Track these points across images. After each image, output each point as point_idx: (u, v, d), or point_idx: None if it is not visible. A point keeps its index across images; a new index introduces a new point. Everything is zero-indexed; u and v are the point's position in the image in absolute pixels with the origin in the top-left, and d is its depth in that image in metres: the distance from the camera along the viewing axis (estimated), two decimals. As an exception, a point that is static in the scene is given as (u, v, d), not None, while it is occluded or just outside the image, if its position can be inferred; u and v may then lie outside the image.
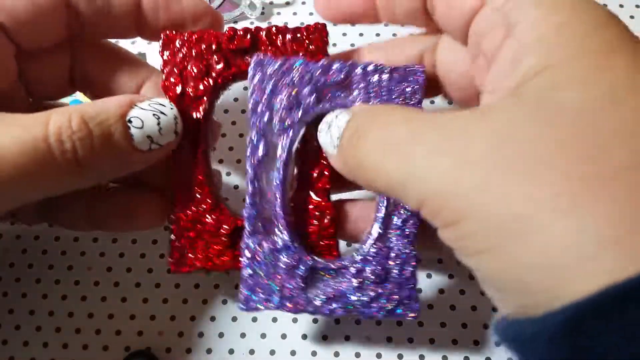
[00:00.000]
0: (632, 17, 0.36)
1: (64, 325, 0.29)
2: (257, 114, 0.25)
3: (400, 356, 0.28)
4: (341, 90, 0.25)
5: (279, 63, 0.25)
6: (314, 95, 0.24)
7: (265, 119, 0.25)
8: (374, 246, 0.25)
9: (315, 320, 0.29)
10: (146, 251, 0.31)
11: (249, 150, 0.25)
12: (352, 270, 0.25)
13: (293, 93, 0.24)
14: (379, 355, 0.28)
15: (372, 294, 0.24)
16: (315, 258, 0.25)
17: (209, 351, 0.28)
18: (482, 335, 0.28)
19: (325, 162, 0.25)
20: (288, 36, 0.26)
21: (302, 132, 0.25)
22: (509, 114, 0.18)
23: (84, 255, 0.30)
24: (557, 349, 0.16)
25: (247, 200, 0.25)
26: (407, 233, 0.25)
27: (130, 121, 0.23)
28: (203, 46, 0.26)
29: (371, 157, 0.20)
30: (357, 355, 0.28)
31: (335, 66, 0.24)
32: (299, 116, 0.24)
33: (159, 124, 0.23)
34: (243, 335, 0.29)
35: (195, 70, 0.26)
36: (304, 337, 0.29)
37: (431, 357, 0.28)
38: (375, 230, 0.25)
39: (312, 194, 0.26)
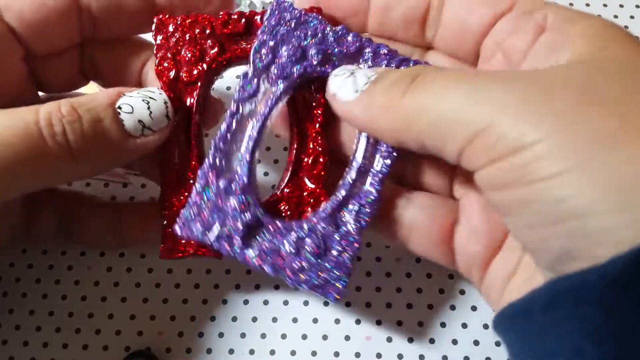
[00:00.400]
0: (632, 17, 0.36)
1: (64, 325, 0.29)
2: (259, 54, 0.25)
3: (400, 356, 0.28)
4: (347, 61, 0.25)
5: (297, 12, 0.25)
6: (320, 57, 0.25)
7: (265, 61, 0.25)
8: (324, 222, 0.24)
9: (315, 320, 0.29)
10: (146, 251, 0.30)
11: (239, 84, 0.25)
12: (294, 236, 0.24)
13: (301, 46, 0.25)
14: (379, 355, 0.28)
15: (304, 264, 0.24)
16: (265, 213, 0.25)
17: (209, 351, 0.28)
18: (482, 335, 0.28)
19: (321, 149, 0.25)
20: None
21: (287, 93, 0.25)
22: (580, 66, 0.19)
23: (84, 255, 0.30)
24: (628, 293, 0.15)
25: (220, 132, 0.25)
26: (360, 219, 0.24)
27: (120, 107, 0.23)
28: (197, 30, 0.26)
29: (423, 100, 0.20)
30: (357, 355, 0.28)
31: (350, 37, 0.25)
32: (299, 71, 0.25)
33: (149, 108, 0.24)
34: (243, 335, 0.29)
35: (189, 55, 0.26)
36: (304, 337, 0.29)
37: (431, 357, 0.28)
38: (330, 207, 0.25)
39: (306, 180, 0.26)
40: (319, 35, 0.25)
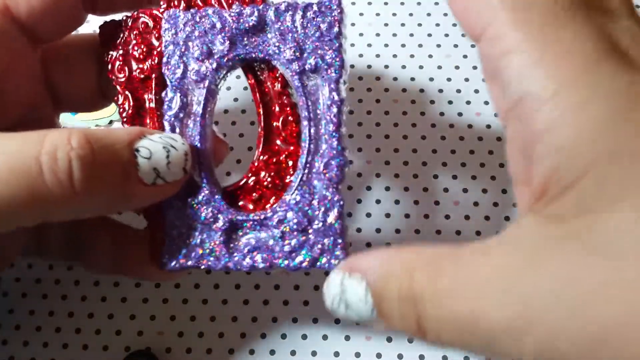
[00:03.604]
0: (631, 17, 0.36)
1: (64, 325, 0.29)
2: (170, 68, 0.24)
3: (400, 356, 0.28)
4: (256, 34, 0.24)
5: (191, 14, 0.24)
6: (227, 42, 0.24)
7: (179, 73, 0.24)
8: (296, 193, 0.23)
9: (315, 320, 0.29)
10: (146, 251, 0.30)
11: (165, 106, 0.24)
12: (274, 220, 0.24)
13: (205, 42, 0.24)
14: (379, 355, 0.28)
15: (294, 243, 0.23)
16: (235, 211, 0.24)
17: (209, 351, 0.28)
18: (482, 335, 0.28)
19: (288, 108, 0.25)
20: None
21: (222, 82, 0.25)
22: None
23: (84, 255, 0.30)
24: None
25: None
26: (330, 177, 0.23)
27: (137, 150, 0.22)
28: (142, 26, 0.26)
29: (461, 305, 0.17)
30: (357, 355, 0.28)
31: (247, 10, 0.24)
32: (214, 67, 0.24)
33: (168, 157, 0.22)
34: (243, 335, 0.29)
35: (137, 52, 0.26)
36: (304, 337, 0.29)
37: (431, 357, 0.28)
38: (297, 176, 0.24)
39: (280, 144, 0.25)
40: (218, 24, 0.24)
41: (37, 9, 0.24)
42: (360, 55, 0.35)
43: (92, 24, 0.33)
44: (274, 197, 0.24)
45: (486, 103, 0.33)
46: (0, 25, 0.23)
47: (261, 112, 0.25)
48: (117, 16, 0.27)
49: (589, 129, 0.16)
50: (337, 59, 0.24)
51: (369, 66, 0.35)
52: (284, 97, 0.25)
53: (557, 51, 0.16)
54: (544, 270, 0.15)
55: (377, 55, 0.35)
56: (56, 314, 0.29)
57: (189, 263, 0.24)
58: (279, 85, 0.25)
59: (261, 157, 0.25)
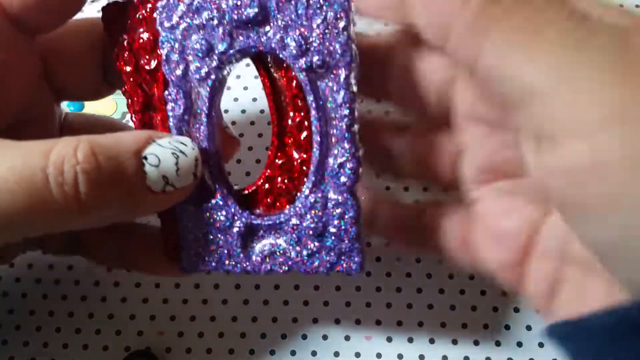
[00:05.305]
0: (632, 16, 0.36)
1: (64, 325, 0.29)
2: (171, 66, 0.23)
3: (400, 356, 0.28)
4: (257, 25, 0.22)
5: (186, 5, 0.22)
6: (227, 37, 0.22)
7: (180, 71, 0.23)
8: (310, 197, 0.23)
9: (315, 320, 0.29)
10: (146, 251, 0.30)
11: (168, 106, 0.23)
12: (290, 224, 0.23)
13: (204, 37, 0.23)
14: (379, 355, 0.28)
15: (311, 248, 0.23)
16: (251, 214, 0.24)
17: (209, 351, 0.28)
18: (482, 335, 0.28)
19: (304, 113, 0.23)
20: None
21: (225, 76, 0.23)
22: None
23: (84, 255, 0.31)
24: None
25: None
26: (344, 180, 0.23)
27: (145, 157, 0.21)
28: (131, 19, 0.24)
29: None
30: (357, 355, 0.28)
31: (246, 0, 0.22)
32: (215, 64, 0.23)
33: (177, 163, 0.21)
34: (243, 335, 0.29)
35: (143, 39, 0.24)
36: (304, 337, 0.29)
37: (431, 357, 0.28)
38: (310, 180, 0.23)
39: (294, 150, 0.24)
40: (216, 16, 0.22)
41: (30, 0, 0.22)
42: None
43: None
44: (287, 202, 0.24)
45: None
46: None
47: (275, 115, 0.24)
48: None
49: None
50: (347, 53, 0.22)
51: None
52: (298, 100, 0.23)
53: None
54: None
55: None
56: (56, 314, 0.29)
57: (209, 267, 0.24)
58: (294, 85, 0.23)
59: (275, 162, 0.24)
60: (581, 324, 0.18)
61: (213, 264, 0.24)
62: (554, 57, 0.17)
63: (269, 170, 0.24)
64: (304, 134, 0.23)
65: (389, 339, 0.28)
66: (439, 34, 0.20)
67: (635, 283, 0.17)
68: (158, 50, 0.23)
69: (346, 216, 0.23)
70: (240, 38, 0.23)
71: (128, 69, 0.24)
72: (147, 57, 0.24)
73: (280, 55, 0.23)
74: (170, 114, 0.23)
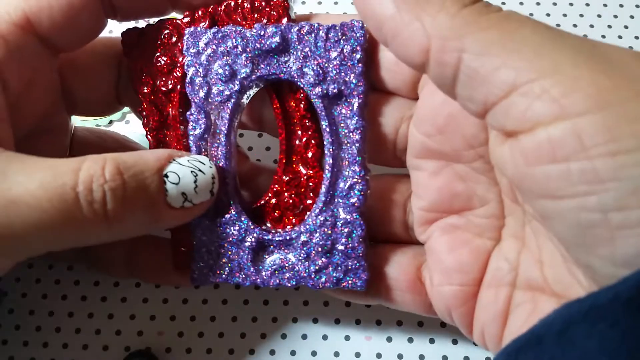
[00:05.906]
0: (632, 17, 0.36)
1: (64, 325, 0.29)
2: (194, 88, 0.24)
3: (400, 356, 0.28)
4: (278, 54, 0.24)
5: (212, 33, 0.24)
6: (250, 64, 0.24)
7: (203, 93, 0.24)
8: (320, 216, 0.24)
9: (315, 320, 0.29)
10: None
11: (189, 126, 0.25)
12: (299, 241, 0.24)
13: (228, 63, 0.24)
14: (379, 355, 0.28)
15: (319, 264, 0.24)
16: (263, 229, 0.25)
17: (209, 351, 0.28)
18: (482, 335, 0.28)
19: (310, 132, 0.25)
20: (247, 5, 0.25)
21: (245, 101, 0.25)
22: None
23: (84, 255, 0.30)
24: None
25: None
26: (353, 201, 0.24)
27: (166, 176, 0.22)
28: (172, 38, 0.25)
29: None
30: (357, 355, 0.28)
31: (269, 30, 0.24)
32: (237, 88, 0.24)
33: (195, 181, 0.23)
34: (243, 335, 0.29)
35: (162, 63, 0.25)
36: (304, 337, 0.29)
37: (431, 357, 0.28)
38: (321, 200, 0.24)
39: (301, 167, 0.25)
40: (241, 43, 0.24)
41: (59, 21, 0.23)
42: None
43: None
44: (294, 218, 0.25)
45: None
46: (22, 41, 0.23)
47: (283, 135, 0.25)
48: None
49: None
50: (360, 84, 0.24)
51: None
52: (306, 120, 0.25)
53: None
54: None
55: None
56: (56, 314, 0.29)
57: (219, 280, 0.25)
58: (302, 106, 0.25)
59: (283, 178, 0.25)
60: (512, 345, 0.18)
61: (223, 276, 0.25)
62: (532, 52, 0.17)
63: (276, 186, 0.25)
64: (311, 152, 0.25)
65: (389, 339, 0.28)
66: (417, 50, 0.19)
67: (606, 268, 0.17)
68: (175, 73, 0.25)
69: (354, 235, 0.24)
70: (262, 65, 0.24)
71: (145, 90, 0.25)
72: (164, 79, 0.25)
73: (299, 83, 0.24)
74: (190, 133, 0.25)
